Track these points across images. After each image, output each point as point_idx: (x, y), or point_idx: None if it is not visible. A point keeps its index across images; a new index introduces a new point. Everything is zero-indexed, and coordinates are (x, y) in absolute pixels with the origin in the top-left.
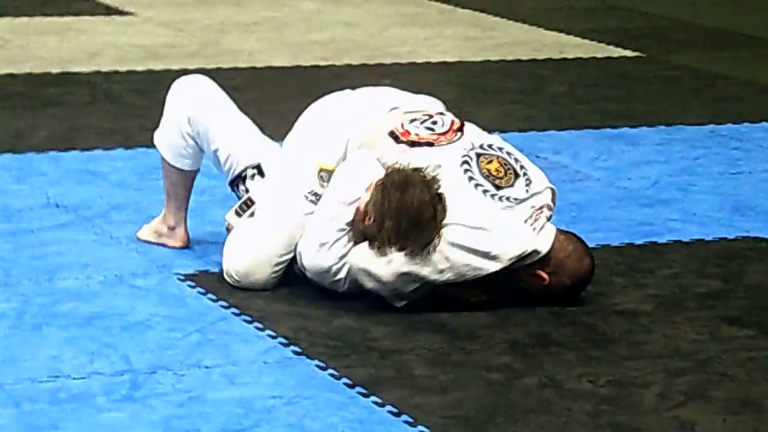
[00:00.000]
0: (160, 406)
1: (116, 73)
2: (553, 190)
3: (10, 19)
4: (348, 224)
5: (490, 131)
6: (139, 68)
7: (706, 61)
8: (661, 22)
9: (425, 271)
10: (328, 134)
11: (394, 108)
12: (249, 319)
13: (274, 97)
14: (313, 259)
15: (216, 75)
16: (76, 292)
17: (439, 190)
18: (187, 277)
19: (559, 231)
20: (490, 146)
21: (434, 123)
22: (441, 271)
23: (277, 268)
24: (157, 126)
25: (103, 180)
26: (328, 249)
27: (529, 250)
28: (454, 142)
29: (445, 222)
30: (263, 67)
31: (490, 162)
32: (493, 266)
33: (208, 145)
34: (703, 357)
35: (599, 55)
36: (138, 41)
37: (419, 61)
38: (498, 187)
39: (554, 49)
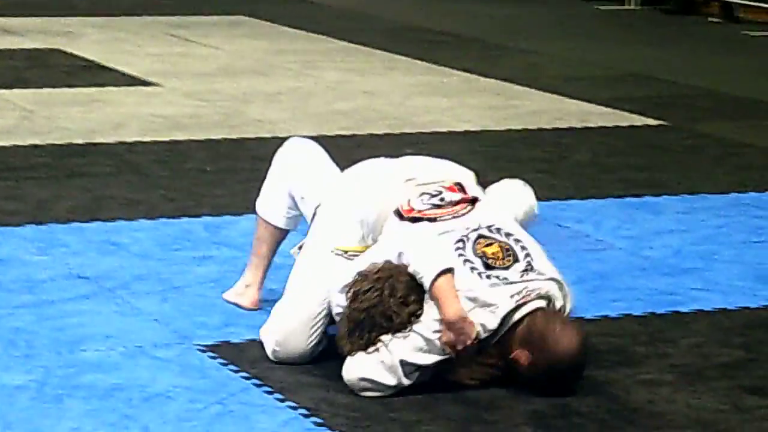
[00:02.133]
0: None
1: (140, 143)
2: (559, 283)
3: (35, 90)
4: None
5: None
6: (163, 139)
7: (730, 130)
8: (685, 91)
9: (413, 355)
10: (342, 220)
11: (409, 179)
12: (270, 389)
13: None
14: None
15: (239, 145)
16: (98, 364)
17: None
18: (208, 348)
19: (552, 313)
20: (498, 230)
21: (443, 198)
22: (421, 349)
23: (312, 332)
24: (179, 196)
25: (125, 251)
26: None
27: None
28: (459, 216)
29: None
30: (287, 137)
31: (489, 245)
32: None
33: (306, 205)
34: (725, 427)
35: (623, 124)
36: (162, 112)
37: (443, 130)
38: (489, 267)
39: (577, 118)
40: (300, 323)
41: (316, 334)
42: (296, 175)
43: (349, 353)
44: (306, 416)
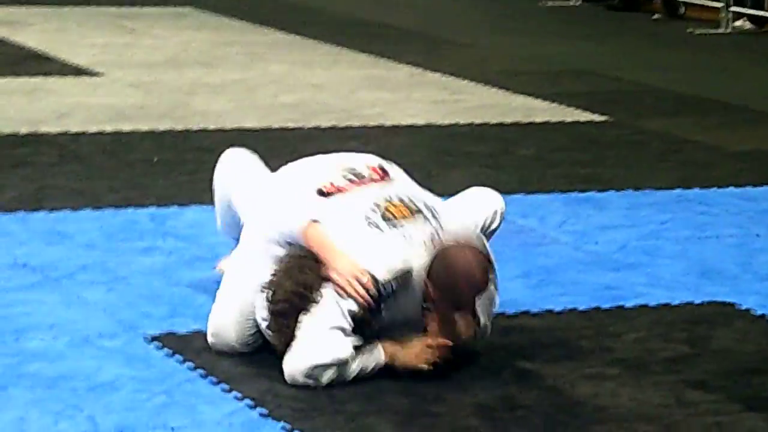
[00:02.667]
0: None
1: (84, 133)
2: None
3: None
4: None
5: (452, 194)
6: (108, 129)
7: (674, 126)
8: (629, 87)
9: (337, 318)
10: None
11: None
12: (216, 380)
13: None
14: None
15: (185, 136)
16: (43, 353)
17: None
18: (154, 338)
19: (455, 243)
20: (407, 196)
21: (360, 174)
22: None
23: (245, 326)
24: (124, 187)
25: (70, 241)
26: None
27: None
28: (370, 187)
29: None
30: (232, 129)
31: (395, 206)
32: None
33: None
34: (669, 421)
35: (567, 119)
36: (107, 102)
37: (388, 123)
38: (394, 225)
39: (522, 113)
40: (231, 318)
41: (248, 328)
42: (231, 188)
43: (283, 347)
44: (251, 407)
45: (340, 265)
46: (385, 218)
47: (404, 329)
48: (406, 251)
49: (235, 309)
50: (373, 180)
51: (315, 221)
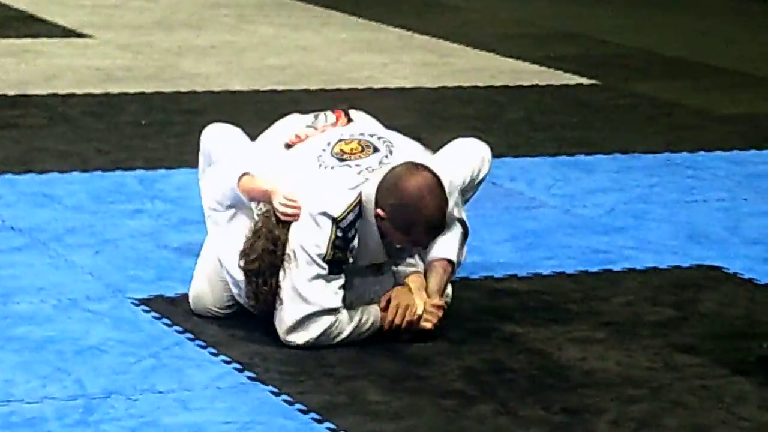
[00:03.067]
0: (113, 431)
1: (73, 95)
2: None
3: None
4: None
5: None
6: (97, 91)
7: (663, 90)
8: (618, 51)
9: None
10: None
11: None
12: (203, 344)
13: (231, 121)
14: None
15: (173, 98)
16: (30, 316)
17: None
18: (142, 302)
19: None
20: (361, 133)
21: (317, 122)
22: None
23: (222, 292)
24: (113, 149)
25: (58, 203)
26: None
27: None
28: (327, 130)
29: None
30: (220, 91)
31: (347, 144)
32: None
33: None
34: (656, 385)
35: (556, 83)
36: (95, 64)
37: (377, 86)
38: (344, 161)
39: (511, 77)
40: (205, 282)
41: (223, 291)
42: (214, 159)
43: (261, 305)
44: (239, 371)
45: (276, 200)
46: (335, 155)
47: (368, 256)
48: (355, 181)
49: (206, 273)
50: (332, 125)
51: (245, 174)
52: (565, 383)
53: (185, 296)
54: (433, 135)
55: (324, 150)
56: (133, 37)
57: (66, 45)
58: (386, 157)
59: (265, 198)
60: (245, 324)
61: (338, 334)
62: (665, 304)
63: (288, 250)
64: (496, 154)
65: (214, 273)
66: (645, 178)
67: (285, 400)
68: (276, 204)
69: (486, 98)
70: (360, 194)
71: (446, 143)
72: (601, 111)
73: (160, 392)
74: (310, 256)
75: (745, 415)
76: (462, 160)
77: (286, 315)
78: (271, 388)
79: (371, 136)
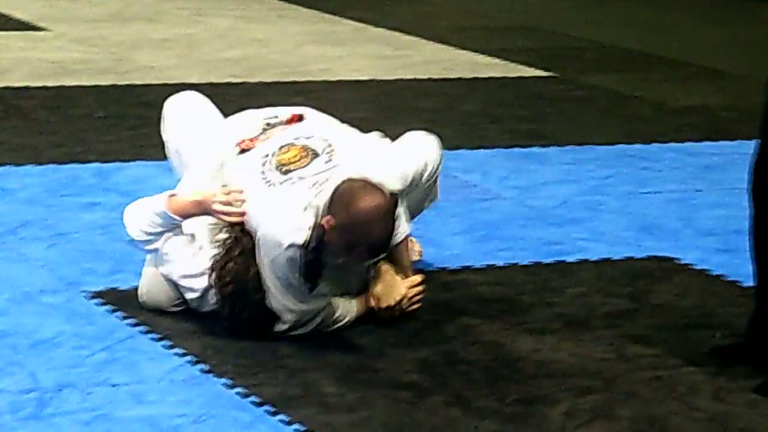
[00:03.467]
0: (67, 424)
1: (27, 88)
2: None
3: None
4: None
5: None
6: (51, 84)
7: (617, 82)
8: (573, 43)
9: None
10: (196, 167)
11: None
12: (157, 336)
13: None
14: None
15: (128, 91)
16: None
17: None
18: (95, 295)
19: (355, 179)
20: (306, 137)
21: (270, 123)
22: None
23: (172, 290)
24: (67, 142)
25: (12, 196)
26: None
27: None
28: (276, 135)
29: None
30: (175, 84)
31: (287, 152)
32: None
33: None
34: (610, 376)
35: (512, 75)
36: (50, 57)
37: (333, 79)
38: (284, 172)
39: (467, 69)
40: (157, 284)
41: (176, 294)
42: (175, 131)
43: (238, 323)
44: (193, 363)
45: (215, 205)
46: (277, 168)
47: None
48: (307, 198)
49: (155, 274)
50: (282, 124)
51: (171, 195)
52: (519, 374)
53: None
54: (389, 127)
55: (265, 163)
56: (88, 30)
57: (21, 38)
58: (327, 162)
59: (202, 208)
60: (199, 317)
61: (327, 324)
62: (619, 296)
63: (263, 279)
64: (451, 146)
65: (161, 275)
66: (599, 169)
67: (239, 393)
68: (216, 207)
69: (442, 90)
70: (317, 209)
71: (401, 135)
72: (556, 103)
73: (114, 385)
74: (287, 283)
75: (698, 405)
76: (408, 158)
77: (282, 322)
78: (224, 380)
79: (309, 138)
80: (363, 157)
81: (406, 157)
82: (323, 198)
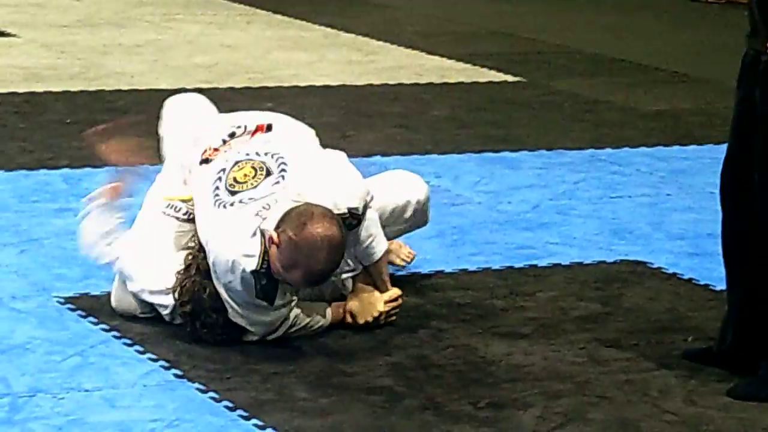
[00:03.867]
0: (39, 429)
1: None
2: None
3: None
4: None
5: (371, 155)
6: (21, 90)
7: (586, 87)
8: (542, 48)
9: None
10: (169, 166)
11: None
12: (130, 342)
13: (157, 119)
14: None
15: (98, 97)
16: None
17: None
18: (67, 300)
19: (306, 204)
20: (264, 153)
21: (233, 133)
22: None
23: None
24: (37, 148)
25: None
26: None
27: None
28: (234, 147)
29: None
30: (146, 90)
31: (240, 169)
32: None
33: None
34: (582, 379)
35: (481, 80)
36: (19, 63)
37: (303, 84)
38: (234, 193)
39: (436, 74)
40: (126, 294)
41: (148, 305)
42: (164, 131)
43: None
44: (166, 368)
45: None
46: (228, 188)
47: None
48: (253, 225)
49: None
50: (247, 134)
51: None
52: (492, 378)
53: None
54: (359, 132)
55: (218, 179)
56: (57, 36)
57: None
58: (278, 182)
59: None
60: (171, 322)
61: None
62: (590, 299)
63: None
64: (421, 151)
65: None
66: (569, 174)
67: (212, 397)
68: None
69: (411, 95)
70: (262, 236)
71: (371, 140)
72: (526, 108)
73: (87, 390)
74: (245, 302)
75: (670, 408)
76: (388, 193)
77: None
78: (197, 385)
79: (266, 155)
80: (316, 177)
81: (356, 176)
82: (270, 224)
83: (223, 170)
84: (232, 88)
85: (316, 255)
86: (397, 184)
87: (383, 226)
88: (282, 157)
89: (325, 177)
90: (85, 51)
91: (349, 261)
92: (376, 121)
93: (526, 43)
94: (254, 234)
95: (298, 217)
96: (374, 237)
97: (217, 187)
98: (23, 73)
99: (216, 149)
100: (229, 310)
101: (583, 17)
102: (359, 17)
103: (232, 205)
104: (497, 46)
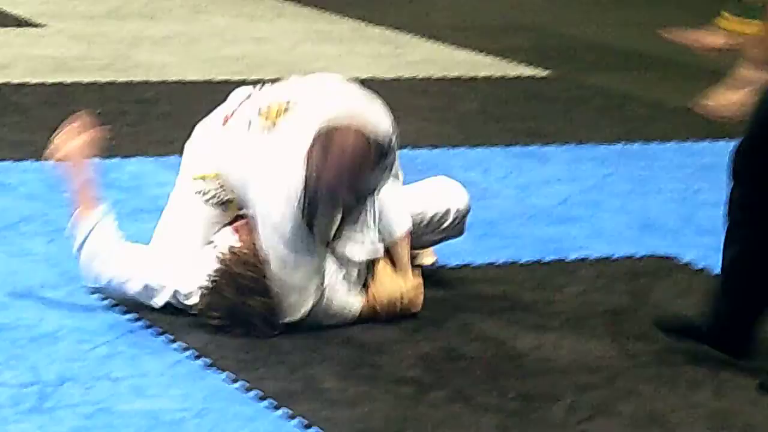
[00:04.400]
0: (68, 417)
1: (26, 85)
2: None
3: None
4: None
5: (401, 148)
6: (50, 80)
7: (616, 82)
8: (572, 42)
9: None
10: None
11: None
12: (158, 331)
13: (185, 111)
14: None
15: (127, 88)
16: None
17: None
18: (96, 290)
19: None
20: (285, 98)
21: (249, 96)
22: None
23: None
24: None
25: (13, 192)
26: None
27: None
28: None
29: None
30: (175, 81)
31: (268, 108)
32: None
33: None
34: (611, 372)
35: (510, 74)
36: (49, 53)
37: None
38: (268, 126)
39: (466, 68)
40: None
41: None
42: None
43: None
44: (195, 357)
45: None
46: (262, 122)
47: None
48: (294, 151)
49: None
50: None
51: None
52: (520, 371)
53: None
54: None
55: (250, 122)
56: (86, 26)
57: (19, 34)
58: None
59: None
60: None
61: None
62: (619, 294)
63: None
64: (450, 145)
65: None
66: (599, 168)
67: (240, 387)
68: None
69: (440, 89)
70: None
71: (401, 134)
72: (555, 102)
73: (116, 379)
74: (293, 240)
75: (700, 401)
76: (427, 199)
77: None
78: (226, 374)
79: (288, 98)
80: (343, 107)
81: (383, 110)
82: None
83: (250, 116)
84: (260, 81)
85: (345, 148)
86: (440, 192)
87: (420, 235)
88: (305, 95)
89: (352, 106)
90: (113, 42)
91: (363, 233)
92: (405, 114)
93: (556, 37)
94: (292, 170)
95: (327, 122)
96: (397, 208)
97: (250, 122)
98: (52, 64)
99: (234, 111)
100: (273, 263)
101: (613, 12)
102: (388, 10)
103: (270, 131)
104: (527, 41)
